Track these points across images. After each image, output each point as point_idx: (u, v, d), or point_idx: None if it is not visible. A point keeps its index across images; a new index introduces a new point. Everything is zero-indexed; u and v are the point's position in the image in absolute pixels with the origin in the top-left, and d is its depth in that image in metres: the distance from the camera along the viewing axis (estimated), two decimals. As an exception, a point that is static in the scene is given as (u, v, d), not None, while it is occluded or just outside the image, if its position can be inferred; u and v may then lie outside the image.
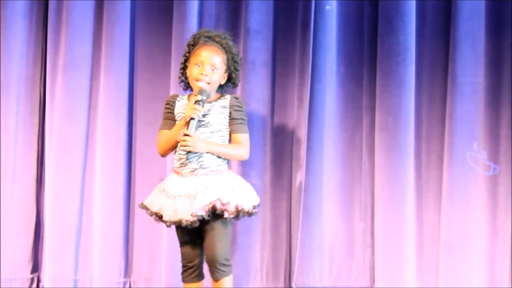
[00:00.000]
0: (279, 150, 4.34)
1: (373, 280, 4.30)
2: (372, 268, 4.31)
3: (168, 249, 4.27)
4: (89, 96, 4.40)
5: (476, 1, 4.20)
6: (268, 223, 4.33)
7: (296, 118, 4.29)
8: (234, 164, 4.25)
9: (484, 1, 4.22)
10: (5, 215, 4.34)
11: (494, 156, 4.24)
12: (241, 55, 4.29)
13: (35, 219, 4.42)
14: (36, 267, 4.43)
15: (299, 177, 4.26)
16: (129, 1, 4.36)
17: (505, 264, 4.21)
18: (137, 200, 4.40)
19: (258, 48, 4.31)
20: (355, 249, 4.35)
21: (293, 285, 4.29)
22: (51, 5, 4.39)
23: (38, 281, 4.41)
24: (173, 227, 3.57)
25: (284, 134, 4.34)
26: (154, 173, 4.37)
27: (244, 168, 4.28)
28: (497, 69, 4.23)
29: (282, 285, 4.33)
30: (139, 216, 4.39)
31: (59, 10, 4.38)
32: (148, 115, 4.40)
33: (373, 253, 4.30)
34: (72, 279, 4.37)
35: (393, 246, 4.24)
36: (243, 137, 3.57)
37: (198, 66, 3.54)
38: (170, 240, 4.25)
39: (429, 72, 4.31)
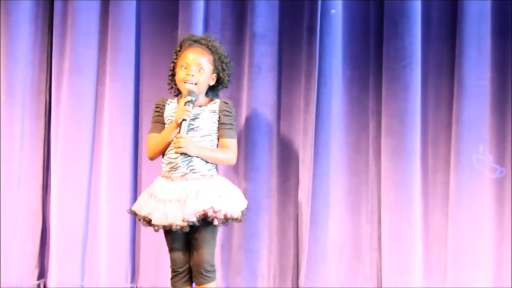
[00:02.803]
0: (286, 155, 4.33)
1: (380, 283, 4.29)
2: (379, 271, 4.30)
3: (174, 254, 4.26)
4: (94, 101, 4.40)
5: (482, 4, 4.19)
6: (275, 227, 4.32)
7: (303, 122, 4.28)
8: (241, 169, 4.25)
9: (490, 4, 4.21)
10: (11, 221, 4.34)
11: (500, 159, 4.23)
12: (246, 59, 4.32)
13: (41, 225, 4.41)
14: (42, 274, 4.41)
15: (306, 181, 4.25)
16: (134, 6, 4.36)
17: (512, 267, 4.22)
18: (143, 205, 4.40)
19: (264, 52, 4.30)
20: (362, 253, 4.34)
21: (300, 288, 4.30)
22: (56, 9, 4.38)
23: (44, 288, 4.41)
24: (161, 232, 3.57)
25: (290, 138, 4.33)
26: (160, 178, 4.37)
27: (251, 172, 4.28)
28: (504, 72, 4.22)
29: (289, 289, 4.34)
30: (146, 221, 4.40)
31: (64, 14, 4.38)
32: (154, 119, 4.40)
33: (380, 257, 4.29)
34: (79, 285, 4.36)
35: (400, 249, 4.23)
36: (231, 142, 3.60)
37: (184, 68, 3.57)
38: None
39: (435, 76, 4.29)
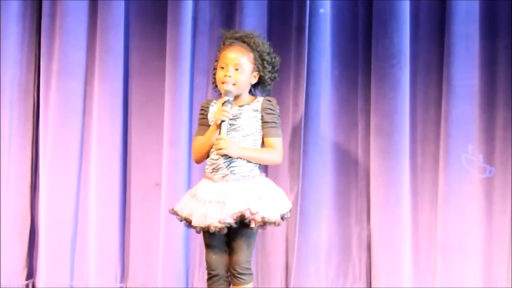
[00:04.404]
0: (275, 154, 4.32)
1: (369, 283, 4.29)
2: (369, 271, 4.30)
3: (164, 254, 4.27)
4: (83, 102, 4.40)
5: (470, 3, 4.19)
6: (264, 227, 4.32)
7: (292, 122, 4.28)
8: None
9: (478, 3, 4.21)
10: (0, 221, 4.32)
11: (489, 158, 4.23)
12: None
13: (30, 225, 4.41)
14: (31, 274, 4.42)
15: (295, 181, 4.25)
16: (123, 6, 4.36)
17: (502, 266, 4.20)
18: (132, 205, 4.41)
19: (253, 52, 4.30)
20: (351, 252, 4.33)
21: (289, 288, 4.29)
22: (45, 10, 4.39)
23: (33, 288, 4.40)
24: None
25: (279, 138, 4.33)
26: (150, 178, 4.38)
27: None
28: (492, 71, 4.22)
29: (278, 289, 4.33)
30: (135, 221, 4.40)
31: (52, 15, 4.39)
32: (143, 120, 4.41)
33: (369, 256, 4.29)
34: (68, 285, 4.36)
35: (390, 248, 4.23)
36: (276, 141, 3.50)
37: (223, 68, 3.48)
38: (166, 245, 4.25)
39: (424, 75, 4.29)
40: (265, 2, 4.35)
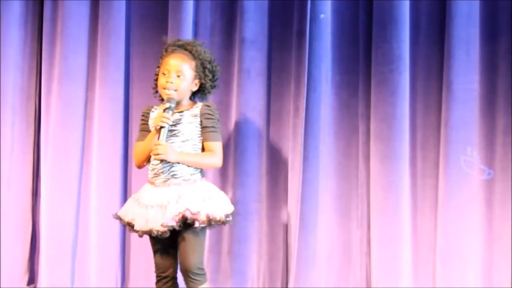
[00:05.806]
0: (275, 159, 4.33)
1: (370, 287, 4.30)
2: (369, 276, 4.30)
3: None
4: (84, 106, 4.41)
5: (470, 7, 4.19)
6: (264, 232, 4.32)
7: (292, 127, 4.28)
8: (230, 174, 4.26)
9: (479, 7, 4.21)
10: (1, 226, 4.33)
11: (489, 163, 4.23)
12: (236, 64, 4.32)
13: (31, 229, 4.42)
14: (32, 279, 4.43)
15: (295, 186, 4.25)
16: (124, 11, 4.37)
17: (502, 269, 4.20)
18: (133, 209, 4.41)
19: (253, 57, 4.30)
20: (351, 257, 4.34)
21: (290, 293, 4.30)
22: (46, 15, 4.40)
23: (35, 292, 4.42)
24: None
25: (280, 143, 4.34)
26: (150, 183, 4.38)
27: (240, 177, 4.28)
28: (492, 75, 4.22)
29: (279, 294, 4.34)
30: (135, 225, 4.41)
31: (54, 20, 4.39)
32: (144, 125, 4.41)
33: (369, 261, 4.30)
34: (69, 288, 4.38)
35: (390, 254, 4.24)
36: (215, 145, 3.55)
37: (165, 74, 3.55)
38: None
39: (424, 79, 4.30)
40: (266, 7, 4.35)
